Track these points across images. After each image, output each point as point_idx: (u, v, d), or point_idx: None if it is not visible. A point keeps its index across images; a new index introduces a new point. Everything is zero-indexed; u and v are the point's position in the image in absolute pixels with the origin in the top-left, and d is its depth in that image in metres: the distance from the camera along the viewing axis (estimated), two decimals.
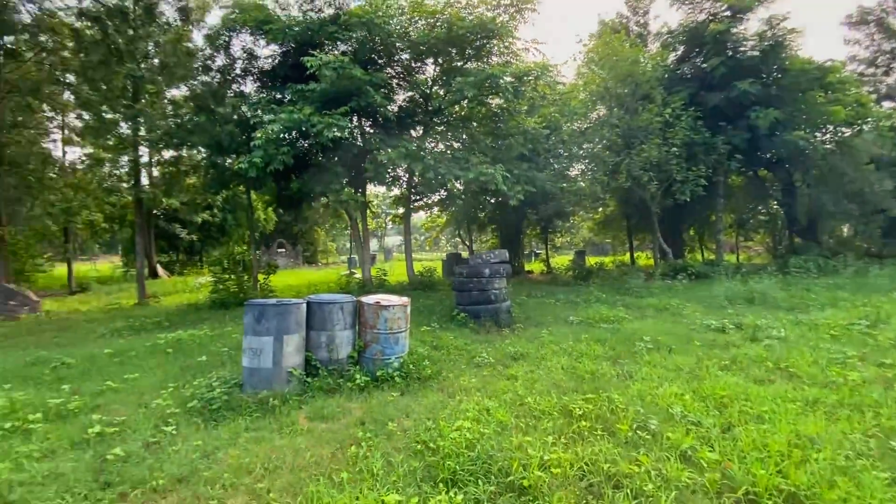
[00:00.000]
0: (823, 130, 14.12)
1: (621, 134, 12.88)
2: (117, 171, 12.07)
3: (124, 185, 12.05)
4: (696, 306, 9.47)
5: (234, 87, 12.23)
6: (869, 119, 14.12)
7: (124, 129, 11.52)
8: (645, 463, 3.06)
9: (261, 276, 13.07)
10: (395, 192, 16.37)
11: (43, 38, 11.43)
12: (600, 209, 24.43)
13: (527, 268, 23.43)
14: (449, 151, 11.92)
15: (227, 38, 11.62)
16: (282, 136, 9.79)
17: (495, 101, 13.53)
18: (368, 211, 14.35)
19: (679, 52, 14.91)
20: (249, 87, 12.71)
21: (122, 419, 4.18)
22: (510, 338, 7.38)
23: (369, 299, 5.59)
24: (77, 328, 9.46)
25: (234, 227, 26.64)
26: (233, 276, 12.08)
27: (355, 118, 12.60)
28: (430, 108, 13.66)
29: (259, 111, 9.96)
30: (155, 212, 23.85)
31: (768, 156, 15.35)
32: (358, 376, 4.97)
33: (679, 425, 3.71)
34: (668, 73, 14.67)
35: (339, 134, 9.77)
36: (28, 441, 3.71)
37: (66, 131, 14.42)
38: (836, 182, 14.12)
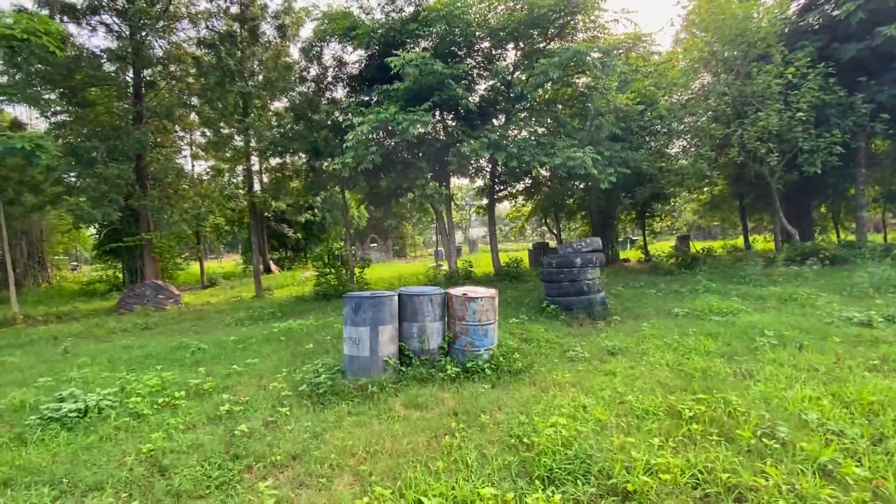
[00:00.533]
0: None
1: (731, 102, 11.40)
2: (234, 180, 13.70)
3: (240, 191, 13.58)
4: (833, 296, 8.13)
5: (328, 94, 13.11)
6: None
7: (238, 141, 12.96)
8: (773, 475, 2.69)
9: (356, 270, 13.91)
10: (479, 183, 16.36)
11: (172, 67, 13.31)
12: (706, 189, 22.09)
13: (622, 256, 22.06)
14: (533, 137, 11.55)
15: (318, 49, 12.47)
16: (370, 136, 10.25)
17: (582, 80, 12.82)
18: (452, 203, 14.51)
19: (802, 1, 12.78)
20: (340, 92, 13.54)
21: (246, 399, 4.70)
22: (606, 331, 6.99)
23: (457, 291, 5.65)
24: (209, 318, 10.89)
25: (333, 225, 28.65)
26: (332, 271, 13.01)
27: (438, 113, 12.76)
28: (511, 95, 13.36)
29: (349, 114, 10.53)
30: (266, 214, 26.64)
31: None
32: (449, 367, 5.05)
33: (815, 434, 3.21)
34: (790, 27, 12.65)
35: (422, 129, 9.98)
36: (175, 415, 4.33)
37: (194, 147, 16.66)
38: None
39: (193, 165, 18.27)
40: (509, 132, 11.43)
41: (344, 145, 10.05)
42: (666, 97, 12.95)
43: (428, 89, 10.68)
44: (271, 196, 14.65)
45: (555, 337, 6.60)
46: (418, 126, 9.83)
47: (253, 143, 12.59)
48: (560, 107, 13.09)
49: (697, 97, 12.35)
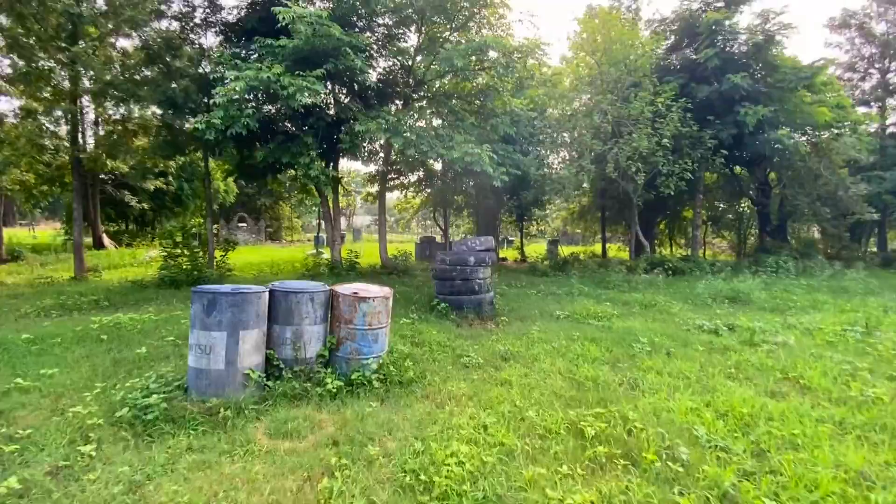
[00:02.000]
0: (805, 131, 14.13)
1: (611, 121, 12.39)
2: (52, 127, 10.46)
3: (61, 142, 10.46)
4: (682, 304, 9.20)
5: (194, 38, 10.83)
6: (847, 122, 14.26)
7: (61, 78, 9.96)
8: None
9: (218, 253, 11.93)
10: (371, 168, 15.40)
11: None
12: (575, 200, 24.24)
13: (501, 255, 23.01)
14: (432, 128, 11.06)
15: None
16: (246, 96, 8.67)
17: (481, 79, 12.72)
18: (340, 187, 13.33)
19: (671, 42, 14.50)
20: (211, 40, 11.34)
21: (28, 432, 3.30)
22: (496, 333, 6.80)
23: (345, 289, 4.83)
24: None
25: (191, 198, 24.76)
26: (186, 252, 10.90)
27: (329, 84, 11.49)
28: (411, 81, 12.70)
29: (221, 67, 8.78)
30: (101, 176, 21.77)
31: (747, 154, 15.32)
32: (329, 380, 4.23)
33: (708, 451, 3.22)
34: (659, 62, 14.26)
35: (311, 99, 8.75)
36: None
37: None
38: (812, 184, 14.27)
39: None
40: (407, 119, 10.74)
41: (211, 101, 8.31)
42: (555, 108, 13.61)
43: (321, 54, 9.43)
44: (105, 153, 11.51)
45: (447, 339, 6.17)
46: (306, 94, 8.58)
47: (85, 84, 9.76)
48: (458, 101, 12.82)
49: (583, 112, 13.20)
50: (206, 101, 9.94)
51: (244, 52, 10.56)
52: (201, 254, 11.13)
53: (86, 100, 11.86)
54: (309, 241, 40.08)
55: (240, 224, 29.70)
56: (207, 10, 11.25)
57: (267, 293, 4.30)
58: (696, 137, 13.15)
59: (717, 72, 13.36)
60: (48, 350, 5.27)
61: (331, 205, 13.07)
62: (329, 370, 4.47)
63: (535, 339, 6.34)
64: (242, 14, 11.27)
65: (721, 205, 20.76)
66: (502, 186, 12.44)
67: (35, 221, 43.78)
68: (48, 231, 31.66)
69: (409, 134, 10.36)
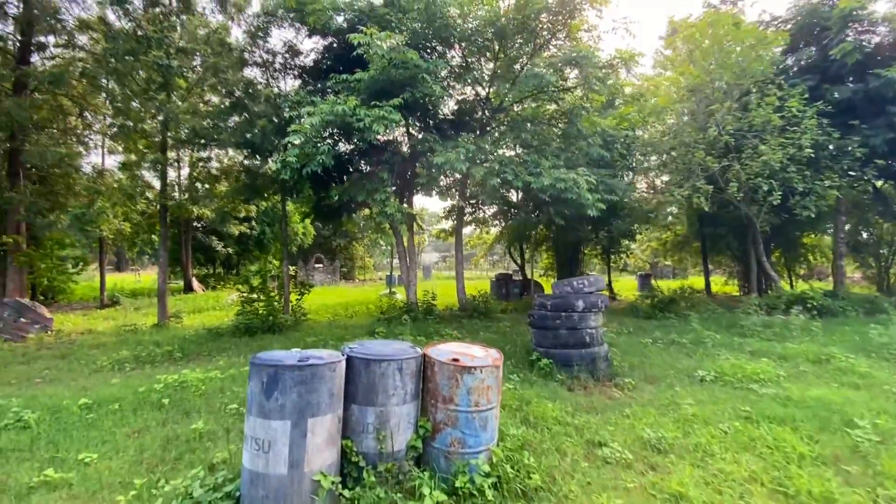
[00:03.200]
0: None
1: (731, 134, 10.48)
2: (143, 175, 10.86)
3: (146, 192, 10.78)
4: (866, 359, 6.90)
5: (274, 84, 10.86)
6: None
7: (151, 126, 10.26)
8: None
9: (293, 297, 11.45)
10: (447, 203, 14.58)
11: (74, 33, 10.57)
12: (670, 229, 21.75)
13: None
14: (515, 154, 9.96)
15: (264, 26, 10.28)
16: (321, 132, 8.15)
17: (568, 97, 11.53)
18: (414, 225, 12.53)
19: (787, 42, 12.44)
20: (289, 84, 11.33)
21: None
22: (626, 403, 5.19)
23: (440, 353, 3.62)
24: (78, 356, 8.00)
25: (272, 241, 25.66)
26: (262, 297, 10.48)
27: (404, 117, 10.92)
28: (486, 111, 11.83)
29: (297, 105, 8.43)
30: (194, 224, 23.22)
31: None
32: (426, 490, 2.97)
33: None
34: (777, 65, 12.22)
35: (386, 132, 8.07)
36: None
37: (102, 138, 13.57)
38: None
39: (103, 158, 15.02)
40: (486, 146, 9.74)
41: (286, 140, 7.88)
42: (651, 124, 11.99)
43: (398, 84, 8.82)
44: (189, 200, 11.77)
45: (565, 414, 4.70)
46: (383, 125, 7.87)
47: (171, 133, 10.00)
48: (539, 127, 11.65)
49: (687, 127, 11.41)
50: (284, 142, 9.70)
51: (319, 91, 10.30)
52: (277, 298, 10.66)
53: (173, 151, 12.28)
54: (380, 279, 40.29)
55: (316, 265, 30.37)
56: (286, 56, 11.32)
57: (343, 362, 3.21)
58: (839, 147, 10.79)
59: (858, 69, 11.06)
60: (101, 420, 4.56)
61: (405, 243, 12.26)
62: (423, 471, 3.22)
63: (689, 416, 4.65)
64: (319, 55, 11.21)
65: (862, 228, 17.30)
66: (590, 216, 10.97)
67: (142, 267, 48.55)
68: (150, 276, 34.60)
69: (492, 162, 9.32)
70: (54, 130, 11.40)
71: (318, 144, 8.26)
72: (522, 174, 9.51)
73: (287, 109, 8.42)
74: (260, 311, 10.29)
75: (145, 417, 4.67)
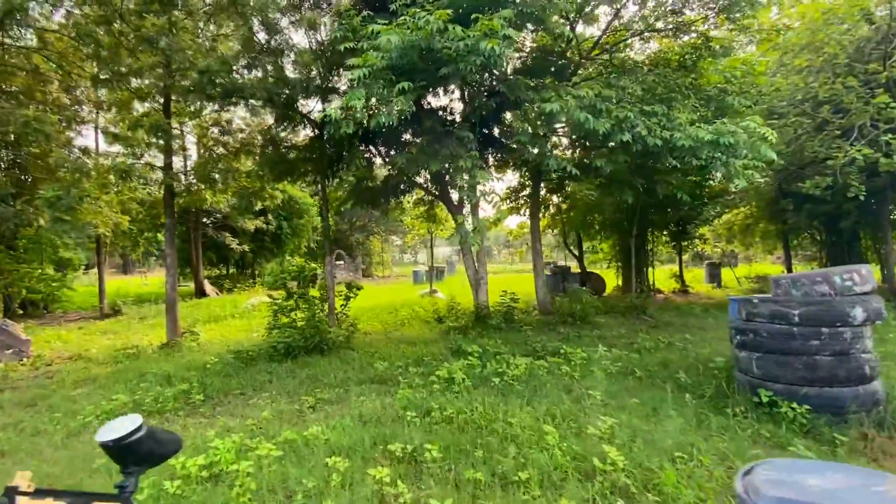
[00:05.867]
0: None
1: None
2: (141, 154, 8.28)
3: (147, 168, 8.20)
4: None
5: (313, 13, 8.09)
6: None
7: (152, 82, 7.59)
8: None
9: (337, 303, 8.91)
10: (510, 179, 11.93)
11: None
12: (743, 208, 18.97)
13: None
14: (643, 102, 7.31)
15: None
16: (394, 65, 5.53)
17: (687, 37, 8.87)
18: (480, 202, 9.88)
19: None
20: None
21: None
22: None
23: None
24: (54, 400, 5.52)
25: (290, 236, 23.15)
26: (302, 304, 7.96)
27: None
28: (578, 48, 9.16)
29: (356, 32, 5.86)
30: (204, 220, 20.75)
31: None
32: None
33: None
34: None
35: (491, 61, 5.43)
36: None
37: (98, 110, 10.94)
38: None
39: (97, 139, 12.48)
40: (610, 92, 7.08)
41: (349, 77, 5.29)
42: (793, 65, 9.24)
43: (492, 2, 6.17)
44: (201, 181, 9.02)
45: None
46: (490, 51, 5.25)
47: (176, 78, 7.28)
48: (654, 74, 8.95)
49: (838, 66, 8.61)
50: (326, 88, 7.12)
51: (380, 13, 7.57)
52: (319, 306, 8.12)
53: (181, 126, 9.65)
54: (400, 276, 37.74)
55: (337, 262, 27.91)
56: None
57: None
58: None
59: None
60: None
61: (475, 225, 9.65)
62: None
63: None
64: None
65: None
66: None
67: (149, 269, 46.22)
68: (160, 277, 32.23)
69: (620, 110, 6.70)
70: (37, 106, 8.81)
71: (386, 88, 5.64)
72: (657, 130, 6.88)
73: (340, 37, 5.81)
74: (299, 325, 7.76)
75: None
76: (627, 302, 10.50)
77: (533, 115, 7.11)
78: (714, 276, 19.92)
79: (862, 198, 8.32)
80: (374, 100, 5.45)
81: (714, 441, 3.77)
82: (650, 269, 18.14)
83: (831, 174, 8.54)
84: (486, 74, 7.40)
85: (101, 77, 6.95)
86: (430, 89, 7.14)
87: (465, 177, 6.80)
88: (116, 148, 10.03)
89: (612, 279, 18.57)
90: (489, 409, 4.52)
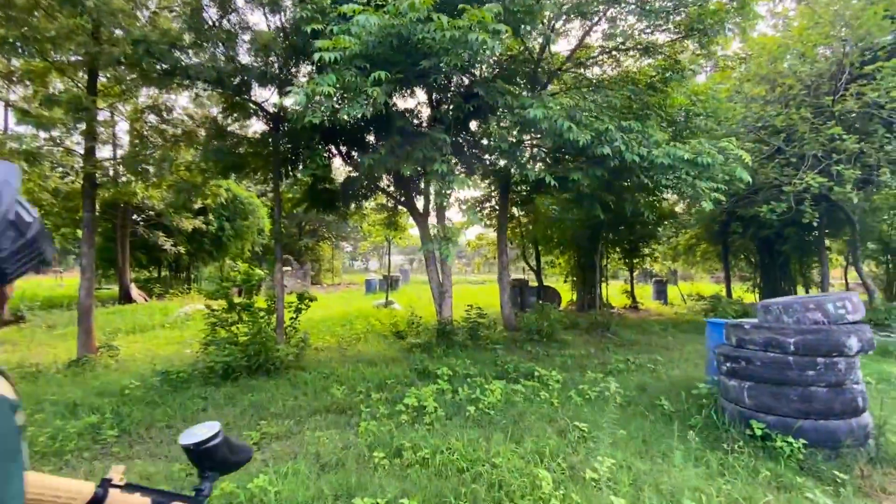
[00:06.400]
0: None
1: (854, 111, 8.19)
2: (57, 134, 6.96)
3: (72, 160, 6.88)
4: None
5: None
6: None
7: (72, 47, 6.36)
8: None
9: (287, 317, 8.02)
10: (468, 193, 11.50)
11: None
12: (690, 231, 19.90)
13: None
14: (613, 117, 7.16)
15: None
16: (373, 52, 4.92)
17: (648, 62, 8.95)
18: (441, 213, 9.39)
19: None
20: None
21: None
22: None
23: None
24: None
25: (233, 239, 21.44)
26: (245, 317, 7.03)
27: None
28: (545, 61, 8.98)
29: (325, 8, 5.19)
30: (134, 217, 18.71)
31: None
32: None
33: None
34: None
35: (479, 54, 4.98)
36: None
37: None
38: None
39: (6, 118, 10.67)
40: (588, 102, 6.87)
41: (317, 60, 4.60)
42: (750, 94, 9.60)
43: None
44: (136, 175, 7.59)
45: None
46: (481, 42, 4.79)
47: (104, 46, 6.10)
48: (617, 93, 8.91)
49: (797, 95, 9.05)
50: (287, 80, 6.35)
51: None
52: (265, 319, 7.21)
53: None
54: (350, 284, 36.31)
55: (284, 268, 26.32)
56: None
57: None
58: None
59: None
60: None
61: (440, 234, 9.13)
62: None
63: None
64: None
65: None
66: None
67: (67, 268, 41.59)
68: (75, 279, 28.85)
69: (598, 125, 6.48)
70: None
71: (359, 76, 5.01)
72: (634, 146, 6.73)
73: (307, 17, 5.07)
74: (241, 340, 6.82)
75: None
76: (591, 318, 10.36)
77: (509, 122, 6.73)
78: (661, 293, 20.65)
79: (816, 223, 8.70)
80: (338, 93, 4.79)
81: (718, 482, 3.44)
82: (604, 284, 18.48)
83: (785, 200, 8.86)
84: (464, 76, 6.97)
85: (9, 40, 5.72)
86: (406, 85, 6.56)
87: (437, 183, 6.25)
88: (28, 129, 8.58)
89: (566, 293, 18.71)
90: (469, 448, 3.97)
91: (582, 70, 9.38)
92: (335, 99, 4.95)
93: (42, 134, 7.71)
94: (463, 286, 32.03)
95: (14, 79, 7.90)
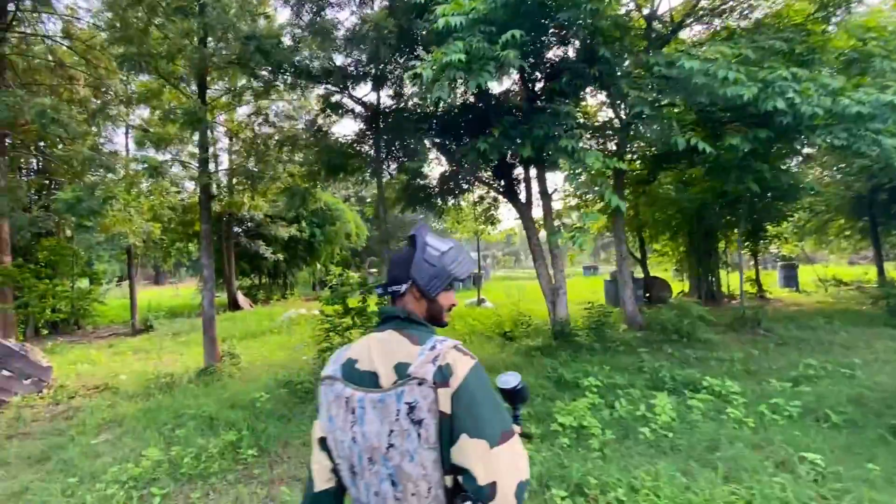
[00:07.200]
0: None
1: None
2: (173, 156, 7.21)
3: (176, 171, 7.14)
4: None
5: None
6: None
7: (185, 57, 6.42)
8: None
9: None
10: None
11: None
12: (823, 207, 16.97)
13: (724, 290, 16.37)
14: (782, 62, 5.81)
15: None
16: (498, 14, 4.21)
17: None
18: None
19: None
20: None
21: None
22: None
23: None
24: (70, 453, 4.36)
25: (324, 245, 22.15)
26: (358, 321, 6.70)
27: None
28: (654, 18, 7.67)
29: None
30: (236, 229, 19.94)
31: None
32: None
33: None
34: None
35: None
36: None
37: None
38: None
39: (127, 142, 11.60)
40: (747, 50, 5.60)
41: (441, 23, 3.99)
42: None
43: None
44: (249, 180, 7.67)
45: None
46: None
47: (212, 48, 6.11)
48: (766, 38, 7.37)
49: None
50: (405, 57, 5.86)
51: None
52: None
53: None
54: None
55: (371, 270, 26.84)
56: None
57: None
58: None
59: None
60: None
61: (546, 226, 8.25)
62: None
63: None
64: None
65: None
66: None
67: (180, 279, 46.07)
68: (191, 287, 31.75)
69: (765, 74, 5.22)
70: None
71: (484, 41, 4.30)
72: (814, 97, 5.34)
73: None
74: None
75: None
76: (736, 313, 8.86)
77: (649, 80, 5.66)
78: (790, 279, 17.86)
79: None
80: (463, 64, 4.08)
81: None
82: (724, 272, 16.33)
83: None
84: (592, 37, 6.01)
85: (127, 56, 5.85)
86: (538, 48, 5.77)
87: (567, 162, 5.39)
88: (147, 152, 9.11)
89: (674, 284, 16.80)
90: (670, 486, 3.10)
91: (712, 19, 7.93)
92: (459, 73, 4.32)
93: (161, 156, 8.07)
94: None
95: (133, 101, 8.30)
